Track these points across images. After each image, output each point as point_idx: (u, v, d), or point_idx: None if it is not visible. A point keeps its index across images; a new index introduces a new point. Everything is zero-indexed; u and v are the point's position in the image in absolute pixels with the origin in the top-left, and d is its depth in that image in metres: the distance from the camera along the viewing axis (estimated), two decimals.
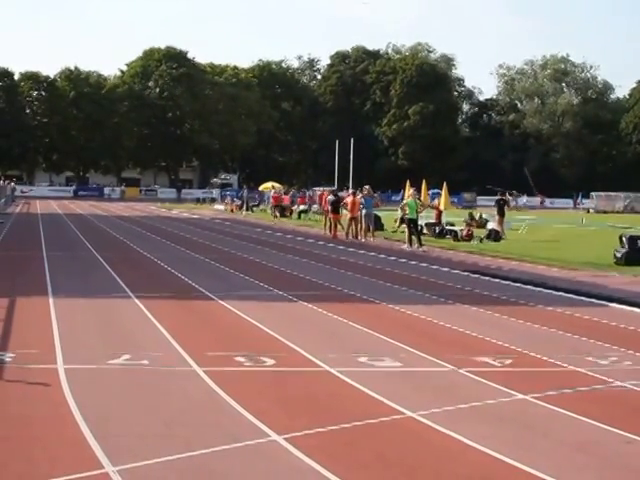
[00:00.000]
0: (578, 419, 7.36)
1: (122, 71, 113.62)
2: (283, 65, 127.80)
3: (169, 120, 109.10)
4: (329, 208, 34.00)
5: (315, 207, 50.11)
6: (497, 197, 36.72)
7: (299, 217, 49.25)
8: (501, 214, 34.02)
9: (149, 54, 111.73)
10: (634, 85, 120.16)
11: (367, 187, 34.51)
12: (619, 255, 22.12)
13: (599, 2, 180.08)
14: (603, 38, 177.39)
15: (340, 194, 39.69)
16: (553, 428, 7.12)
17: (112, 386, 8.14)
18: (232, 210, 60.03)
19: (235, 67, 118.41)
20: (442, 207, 35.46)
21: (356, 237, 31.62)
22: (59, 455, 6.06)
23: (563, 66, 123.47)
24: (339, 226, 33.93)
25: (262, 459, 6.10)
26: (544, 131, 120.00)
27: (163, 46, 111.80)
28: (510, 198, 46.69)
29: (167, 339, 10.59)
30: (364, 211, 31.66)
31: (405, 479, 5.78)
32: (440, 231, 33.25)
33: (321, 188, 61.81)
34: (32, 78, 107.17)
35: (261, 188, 72.31)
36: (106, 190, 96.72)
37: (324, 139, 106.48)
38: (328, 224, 34.29)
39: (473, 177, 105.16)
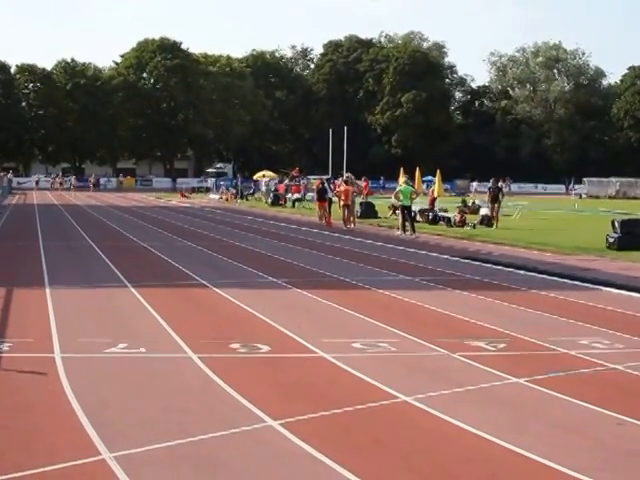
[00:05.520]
0: (571, 402, 7.41)
1: (117, 63, 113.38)
2: (276, 55, 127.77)
3: (164, 110, 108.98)
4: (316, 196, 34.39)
5: (310, 195, 50.12)
6: (490, 184, 36.63)
7: (293, 205, 49.21)
8: (494, 200, 34.02)
9: (143, 45, 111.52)
10: (625, 71, 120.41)
11: (348, 174, 34.72)
12: (612, 240, 22.17)
13: None
14: (595, 25, 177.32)
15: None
16: (547, 411, 7.17)
17: (109, 374, 8.17)
18: (227, 199, 60.03)
19: (229, 57, 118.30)
20: (436, 194, 35.50)
21: (345, 224, 31.71)
22: (57, 443, 6.09)
23: (555, 53, 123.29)
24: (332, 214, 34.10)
25: (258, 444, 6.13)
26: (536, 117, 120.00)
27: (157, 37, 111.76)
28: (503, 185, 46.62)
29: (163, 327, 10.63)
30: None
31: (400, 463, 5.82)
32: (433, 217, 33.30)
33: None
34: (28, 70, 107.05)
35: (255, 177, 72.26)
36: (102, 180, 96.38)
37: (318, 128, 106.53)
38: (322, 212, 34.42)
39: (466, 164, 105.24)
